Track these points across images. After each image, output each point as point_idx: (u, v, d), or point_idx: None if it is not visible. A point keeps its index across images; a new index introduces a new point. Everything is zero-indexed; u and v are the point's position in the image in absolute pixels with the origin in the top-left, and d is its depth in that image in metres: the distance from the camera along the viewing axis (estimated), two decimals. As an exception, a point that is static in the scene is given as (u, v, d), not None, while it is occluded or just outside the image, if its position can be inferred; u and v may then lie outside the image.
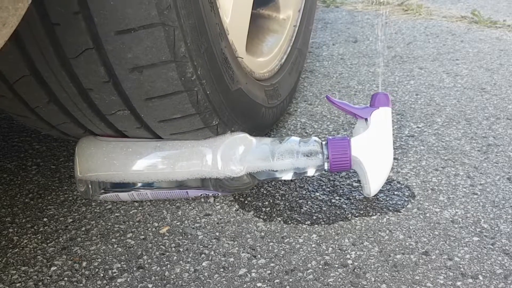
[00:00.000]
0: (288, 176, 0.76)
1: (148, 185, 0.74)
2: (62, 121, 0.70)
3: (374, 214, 0.76)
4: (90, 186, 0.75)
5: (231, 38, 0.76)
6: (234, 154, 0.73)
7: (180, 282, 0.65)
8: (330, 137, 0.76)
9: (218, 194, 0.78)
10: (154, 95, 0.63)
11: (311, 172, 0.75)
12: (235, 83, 0.74)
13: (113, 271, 0.67)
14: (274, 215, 0.77)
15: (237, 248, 0.70)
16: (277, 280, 0.65)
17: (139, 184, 0.74)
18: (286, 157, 0.74)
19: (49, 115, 0.69)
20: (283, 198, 0.81)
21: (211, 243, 0.71)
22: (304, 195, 0.81)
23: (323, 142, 0.76)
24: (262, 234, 0.73)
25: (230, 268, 0.67)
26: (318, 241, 0.71)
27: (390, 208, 0.77)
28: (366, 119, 0.76)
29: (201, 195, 0.78)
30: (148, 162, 0.73)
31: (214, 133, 0.73)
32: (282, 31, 1.06)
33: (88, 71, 0.60)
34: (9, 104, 0.68)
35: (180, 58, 0.61)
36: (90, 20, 0.55)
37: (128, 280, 0.65)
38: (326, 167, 0.75)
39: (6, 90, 0.64)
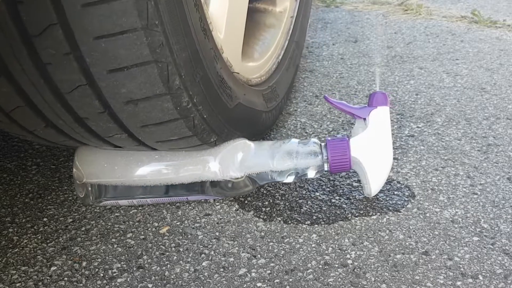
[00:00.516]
0: (288, 179, 0.75)
1: (149, 193, 0.74)
2: (61, 140, 0.70)
3: (374, 214, 0.76)
4: (90, 191, 0.75)
5: (226, 55, 0.74)
6: (234, 160, 0.73)
7: (180, 282, 0.65)
8: (329, 138, 0.76)
9: (218, 198, 0.78)
10: (150, 123, 0.63)
11: (311, 174, 0.75)
12: (234, 100, 0.73)
13: (113, 271, 0.67)
14: (274, 215, 0.77)
15: (237, 248, 0.70)
16: (277, 280, 0.65)
17: (140, 193, 0.74)
18: (286, 159, 0.74)
19: (47, 136, 0.69)
20: (283, 198, 0.81)
21: (211, 243, 0.71)
22: (304, 195, 0.81)
23: (322, 144, 0.75)
24: (262, 234, 0.73)
25: (230, 268, 0.67)
26: (318, 241, 0.71)
27: (390, 208, 0.77)
28: (364, 119, 0.76)
29: (201, 199, 0.78)
30: (149, 170, 0.73)
31: (212, 146, 0.73)
32: (279, 25, 1.02)
33: (83, 104, 0.60)
34: (7, 127, 0.68)
35: (174, 90, 0.60)
36: (82, 60, 0.55)
37: (128, 280, 0.65)
38: (326, 169, 0.75)
39: (3, 117, 0.63)
